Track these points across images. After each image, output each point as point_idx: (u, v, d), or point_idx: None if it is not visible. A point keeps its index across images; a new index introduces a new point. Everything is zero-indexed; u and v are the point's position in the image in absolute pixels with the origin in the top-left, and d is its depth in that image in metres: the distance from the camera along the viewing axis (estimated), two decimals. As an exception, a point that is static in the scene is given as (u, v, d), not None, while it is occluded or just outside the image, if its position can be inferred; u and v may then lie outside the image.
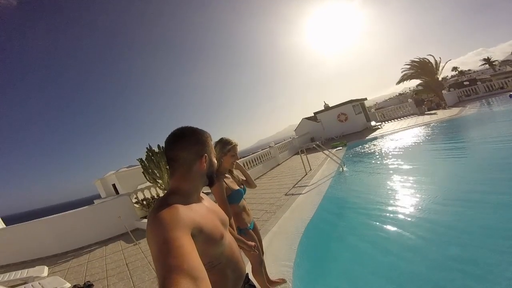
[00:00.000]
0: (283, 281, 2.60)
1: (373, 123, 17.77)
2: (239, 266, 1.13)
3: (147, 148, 7.41)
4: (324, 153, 8.70)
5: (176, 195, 0.97)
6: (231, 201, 1.99)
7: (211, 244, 0.97)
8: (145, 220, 6.77)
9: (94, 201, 14.61)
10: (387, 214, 3.82)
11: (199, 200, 1.09)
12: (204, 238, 0.91)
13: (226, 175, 2.10)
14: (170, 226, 0.77)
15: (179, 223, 0.79)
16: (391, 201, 4.28)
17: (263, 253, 2.38)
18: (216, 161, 1.15)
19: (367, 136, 13.49)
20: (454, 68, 69.39)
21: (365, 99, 19.58)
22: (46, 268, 4.70)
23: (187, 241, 0.74)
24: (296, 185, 6.84)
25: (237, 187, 2.09)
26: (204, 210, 1.05)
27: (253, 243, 1.91)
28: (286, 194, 6.19)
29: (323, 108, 19.34)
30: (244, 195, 2.18)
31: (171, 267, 0.63)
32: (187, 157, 1.01)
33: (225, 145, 2.06)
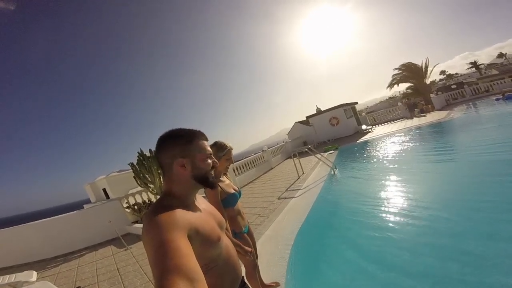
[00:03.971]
0: (276, 284, 2.62)
1: (364, 126, 18.02)
2: (235, 269, 1.13)
3: (138, 152, 7.38)
4: (316, 156, 8.79)
5: (170, 197, 0.98)
6: (226, 205, 2.00)
7: (208, 246, 0.96)
8: (137, 225, 6.70)
9: (84, 206, 14.35)
10: (378, 217, 3.89)
11: (195, 202, 1.08)
12: (201, 240, 0.90)
13: (221, 178, 2.10)
14: (166, 228, 0.76)
15: (175, 225, 0.79)
16: (382, 204, 4.35)
17: (257, 257, 2.40)
18: (208, 163, 1.08)
19: (358, 140, 13.71)
20: (442, 72, 71.08)
21: (356, 103, 19.86)
22: (35, 273, 4.60)
23: (184, 243, 0.74)
24: (289, 189, 6.89)
25: (232, 191, 2.10)
26: (201, 212, 1.05)
27: (249, 249, 1.91)
28: (279, 198, 6.23)
29: (315, 112, 19.52)
30: (239, 199, 2.20)
31: (168, 269, 0.63)
32: (166, 161, 1.01)
33: (219, 149, 2.06)
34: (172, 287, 0.59)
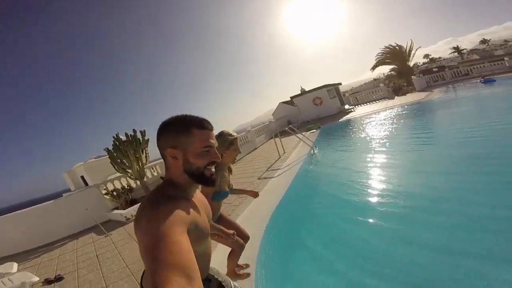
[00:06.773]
0: (246, 266, 2.63)
1: (346, 106, 18.24)
2: (207, 263, 1.14)
3: (113, 137, 7.12)
4: (297, 136, 8.84)
5: (173, 187, 0.93)
6: (215, 198, 1.97)
7: (200, 241, 0.93)
8: (117, 211, 6.63)
9: (63, 194, 13.86)
10: (354, 194, 3.98)
11: (195, 194, 1.04)
12: (197, 235, 0.88)
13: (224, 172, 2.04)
14: (170, 221, 0.73)
15: (178, 219, 0.76)
16: (359, 182, 4.46)
17: (248, 238, 2.34)
18: (204, 158, 0.93)
19: (340, 119, 13.98)
20: (426, 56, 72.09)
21: (340, 83, 19.98)
22: (15, 265, 4.54)
23: (185, 238, 0.71)
24: (269, 169, 6.97)
25: (227, 188, 2.07)
26: (198, 204, 1.00)
27: (231, 231, 1.93)
28: (259, 178, 6.29)
29: (299, 92, 19.56)
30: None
31: (166, 263, 0.60)
32: (160, 149, 0.95)
33: (226, 140, 1.97)
34: (167, 283, 0.56)
